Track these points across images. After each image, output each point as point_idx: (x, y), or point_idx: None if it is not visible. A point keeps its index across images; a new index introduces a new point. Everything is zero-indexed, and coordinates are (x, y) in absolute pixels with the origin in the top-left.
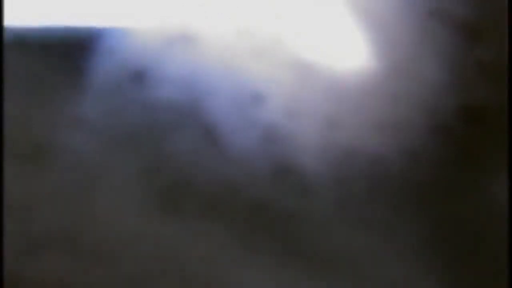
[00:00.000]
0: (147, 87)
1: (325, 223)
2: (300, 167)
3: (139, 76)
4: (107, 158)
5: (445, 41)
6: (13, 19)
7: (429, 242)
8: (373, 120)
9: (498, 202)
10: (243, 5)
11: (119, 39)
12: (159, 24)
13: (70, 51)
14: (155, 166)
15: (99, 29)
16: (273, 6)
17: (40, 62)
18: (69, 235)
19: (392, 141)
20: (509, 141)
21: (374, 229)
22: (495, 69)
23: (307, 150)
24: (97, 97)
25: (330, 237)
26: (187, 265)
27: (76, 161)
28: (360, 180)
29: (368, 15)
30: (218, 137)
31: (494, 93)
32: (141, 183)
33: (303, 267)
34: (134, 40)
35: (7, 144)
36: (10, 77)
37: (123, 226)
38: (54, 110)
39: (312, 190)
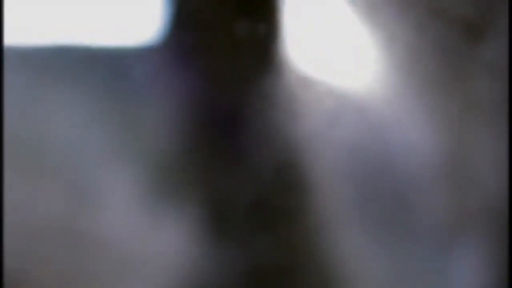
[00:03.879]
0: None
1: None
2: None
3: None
4: (106, 156)
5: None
6: (15, 37)
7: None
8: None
9: None
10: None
11: (119, 56)
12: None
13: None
14: (154, 163)
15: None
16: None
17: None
18: (68, 228)
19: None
20: (509, 137)
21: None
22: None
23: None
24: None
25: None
26: (184, 262)
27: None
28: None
29: (371, 16)
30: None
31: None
32: (140, 180)
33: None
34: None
35: (7, 145)
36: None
37: (122, 220)
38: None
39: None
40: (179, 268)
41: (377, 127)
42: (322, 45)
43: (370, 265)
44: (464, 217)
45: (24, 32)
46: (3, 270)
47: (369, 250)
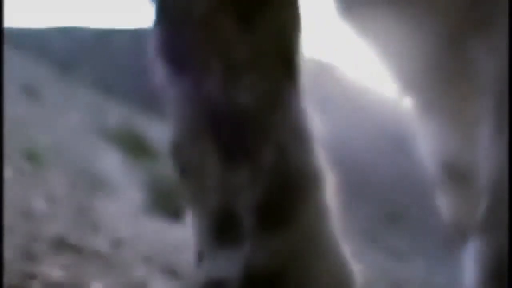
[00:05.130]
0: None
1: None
2: None
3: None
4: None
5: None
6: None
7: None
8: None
9: None
10: None
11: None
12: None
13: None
14: (157, 170)
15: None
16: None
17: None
18: (73, 237)
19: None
20: (509, 137)
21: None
22: None
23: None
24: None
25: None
26: (187, 266)
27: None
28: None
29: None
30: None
31: None
32: (143, 188)
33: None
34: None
35: (7, 145)
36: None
37: (126, 220)
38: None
39: None
40: (178, 268)
41: (378, 127)
42: (322, 45)
43: (369, 266)
44: (465, 217)
45: (21, 16)
46: (3, 270)
47: (369, 250)
